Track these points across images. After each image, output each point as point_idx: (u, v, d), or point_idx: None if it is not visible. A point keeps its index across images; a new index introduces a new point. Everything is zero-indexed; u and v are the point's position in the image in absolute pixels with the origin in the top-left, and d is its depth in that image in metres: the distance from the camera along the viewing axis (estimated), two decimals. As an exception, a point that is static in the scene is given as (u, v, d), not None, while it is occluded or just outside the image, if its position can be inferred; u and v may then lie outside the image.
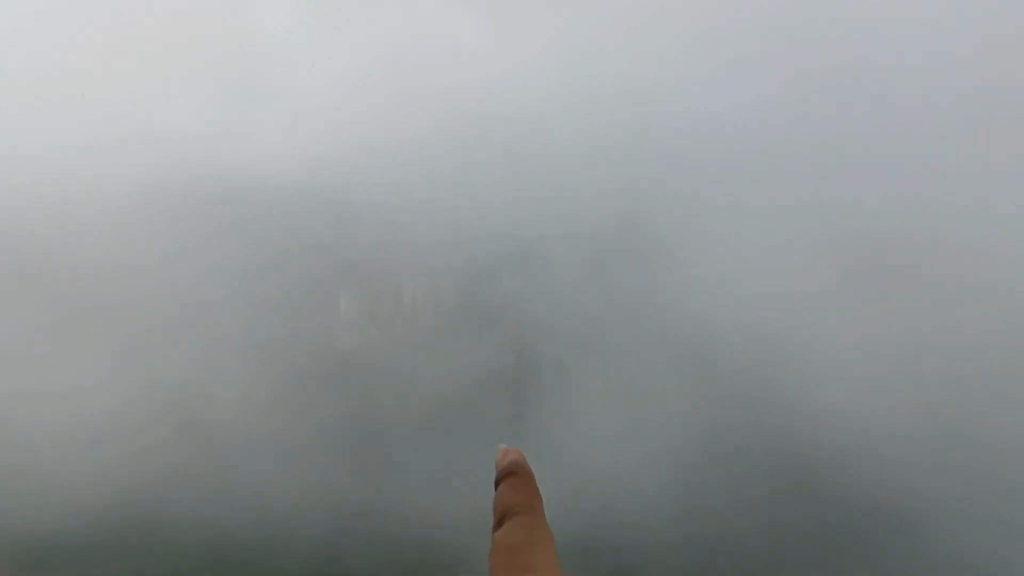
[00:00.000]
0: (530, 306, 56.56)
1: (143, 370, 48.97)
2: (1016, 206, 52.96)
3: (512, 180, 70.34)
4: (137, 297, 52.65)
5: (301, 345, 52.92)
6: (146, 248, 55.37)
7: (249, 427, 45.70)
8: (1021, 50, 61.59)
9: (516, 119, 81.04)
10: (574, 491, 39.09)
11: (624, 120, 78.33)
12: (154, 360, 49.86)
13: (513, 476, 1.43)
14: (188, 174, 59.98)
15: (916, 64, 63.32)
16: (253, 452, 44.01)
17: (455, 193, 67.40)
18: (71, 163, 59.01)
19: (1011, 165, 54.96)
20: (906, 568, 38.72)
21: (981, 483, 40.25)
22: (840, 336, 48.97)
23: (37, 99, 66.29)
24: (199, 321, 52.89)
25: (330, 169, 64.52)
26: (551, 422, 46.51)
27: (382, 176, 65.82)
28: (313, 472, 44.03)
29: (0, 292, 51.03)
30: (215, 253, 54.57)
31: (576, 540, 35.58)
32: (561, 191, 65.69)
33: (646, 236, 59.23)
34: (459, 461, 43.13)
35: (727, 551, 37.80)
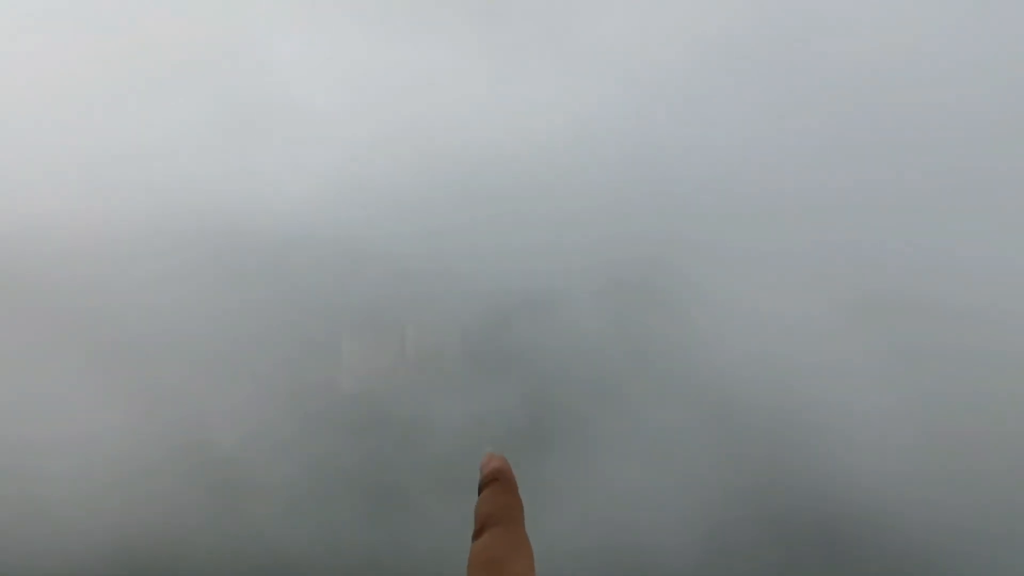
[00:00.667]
0: (545, 354, 56.53)
1: (157, 414, 48.90)
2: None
3: (523, 230, 71.04)
4: (146, 342, 52.68)
5: (317, 390, 52.77)
6: (153, 293, 55.78)
7: (262, 472, 45.33)
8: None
9: (523, 169, 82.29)
10: (596, 545, 38.63)
11: (635, 173, 79.40)
12: (166, 404, 49.73)
13: (496, 482, 1.35)
14: (196, 220, 60.79)
15: (942, 125, 64.28)
16: (268, 497, 43.57)
17: (465, 242, 68.07)
18: (78, 201, 59.74)
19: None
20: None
21: (1009, 545, 39.70)
22: (864, 395, 48.85)
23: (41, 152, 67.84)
24: (211, 365, 52.86)
25: (339, 217, 65.40)
26: (569, 473, 46.07)
27: (393, 226, 66.55)
28: (327, 518, 43.54)
29: (15, 332, 51.32)
30: (229, 298, 54.82)
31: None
32: (575, 242, 66.35)
33: (664, 286, 59.44)
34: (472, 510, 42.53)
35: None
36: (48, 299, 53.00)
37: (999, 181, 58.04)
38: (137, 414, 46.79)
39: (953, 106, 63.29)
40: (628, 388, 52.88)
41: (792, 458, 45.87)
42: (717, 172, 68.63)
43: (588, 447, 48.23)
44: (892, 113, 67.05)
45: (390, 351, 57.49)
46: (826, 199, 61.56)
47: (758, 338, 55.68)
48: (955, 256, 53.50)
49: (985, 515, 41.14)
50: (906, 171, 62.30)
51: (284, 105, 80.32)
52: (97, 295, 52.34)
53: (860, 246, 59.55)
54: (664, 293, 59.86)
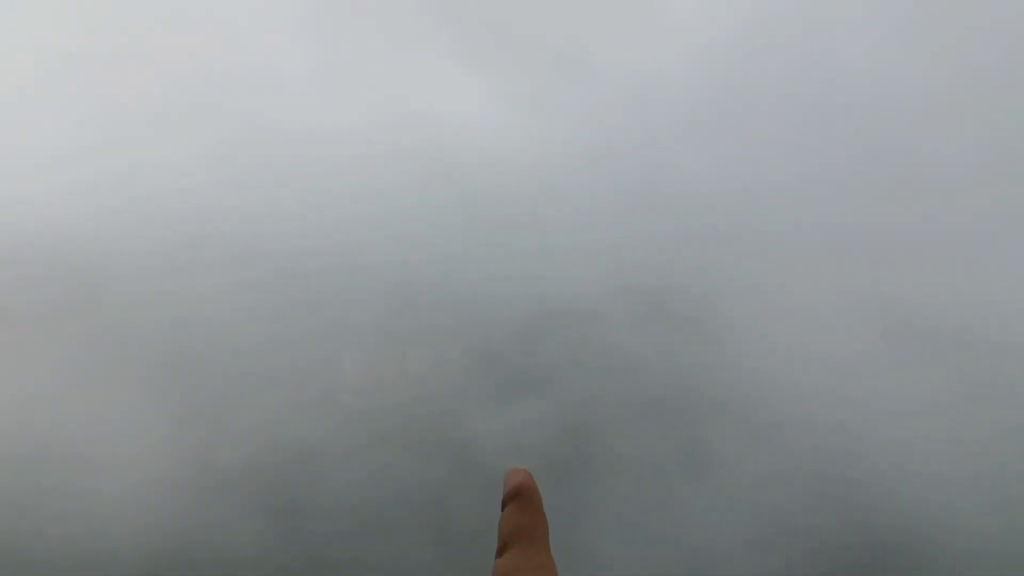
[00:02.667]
0: (585, 374, 56.38)
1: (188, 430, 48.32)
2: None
3: (550, 249, 71.30)
4: (200, 358, 52.38)
5: (367, 410, 52.18)
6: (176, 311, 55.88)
7: (317, 491, 44.53)
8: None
9: (537, 192, 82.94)
10: (650, 563, 38.14)
11: (647, 198, 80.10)
12: (222, 422, 49.31)
13: (519, 498, 1.32)
14: (214, 246, 61.16)
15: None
16: (322, 515, 42.66)
17: (497, 264, 68.50)
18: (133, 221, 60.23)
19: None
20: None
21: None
22: (904, 424, 49.23)
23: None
24: (266, 381, 52.65)
25: (348, 241, 65.78)
26: (619, 492, 45.55)
27: (416, 256, 66.97)
28: (381, 532, 42.61)
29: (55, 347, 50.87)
30: (283, 317, 54.60)
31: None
32: (607, 261, 66.62)
33: (699, 312, 59.80)
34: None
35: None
36: (102, 315, 53.06)
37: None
38: (193, 431, 46.23)
39: (992, 140, 64.69)
40: (670, 408, 52.72)
41: (839, 477, 45.78)
42: (750, 202, 69.51)
43: (633, 466, 47.83)
44: (929, 146, 68.48)
45: (435, 367, 57.13)
46: (860, 234, 62.48)
47: (795, 365, 56.08)
48: (994, 291, 54.44)
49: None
50: (944, 205, 63.54)
51: (296, 139, 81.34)
52: (154, 310, 51.99)
53: (894, 280, 60.47)
54: (702, 320, 60.18)
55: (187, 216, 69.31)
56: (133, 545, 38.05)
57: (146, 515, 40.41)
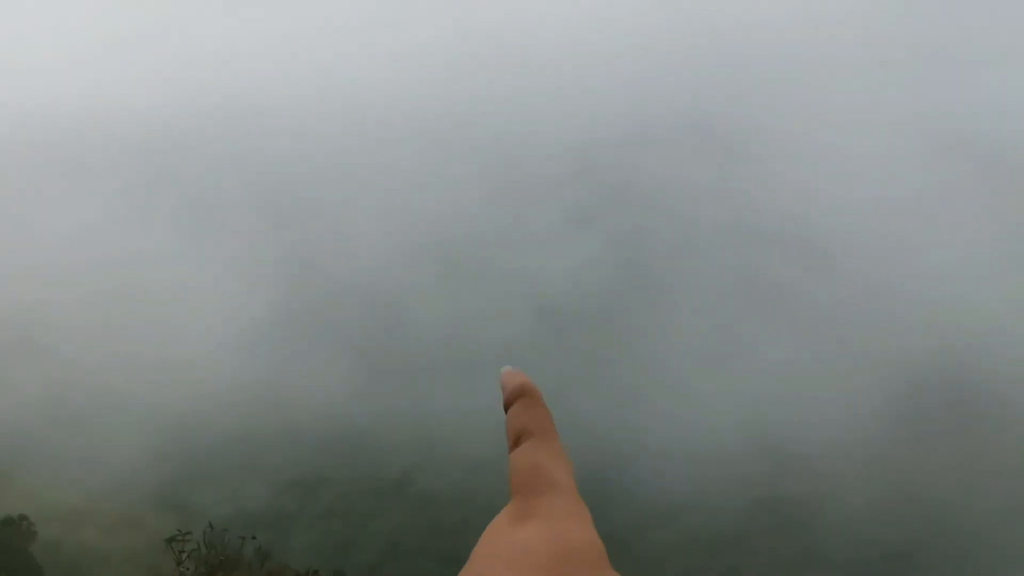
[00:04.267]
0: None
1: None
2: None
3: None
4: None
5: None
6: None
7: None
8: None
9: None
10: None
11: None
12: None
13: (523, 398, 1.27)
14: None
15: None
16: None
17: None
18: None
19: None
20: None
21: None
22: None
23: None
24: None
25: None
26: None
27: None
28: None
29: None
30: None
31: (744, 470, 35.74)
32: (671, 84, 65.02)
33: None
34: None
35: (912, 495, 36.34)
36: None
37: None
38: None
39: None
40: (725, 236, 52.25)
41: (907, 301, 45.82)
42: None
43: (693, 298, 47.96)
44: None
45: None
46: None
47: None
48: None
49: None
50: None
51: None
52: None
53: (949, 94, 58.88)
54: (751, 144, 58.64)
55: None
56: (227, 386, 38.82)
57: (235, 357, 41.00)
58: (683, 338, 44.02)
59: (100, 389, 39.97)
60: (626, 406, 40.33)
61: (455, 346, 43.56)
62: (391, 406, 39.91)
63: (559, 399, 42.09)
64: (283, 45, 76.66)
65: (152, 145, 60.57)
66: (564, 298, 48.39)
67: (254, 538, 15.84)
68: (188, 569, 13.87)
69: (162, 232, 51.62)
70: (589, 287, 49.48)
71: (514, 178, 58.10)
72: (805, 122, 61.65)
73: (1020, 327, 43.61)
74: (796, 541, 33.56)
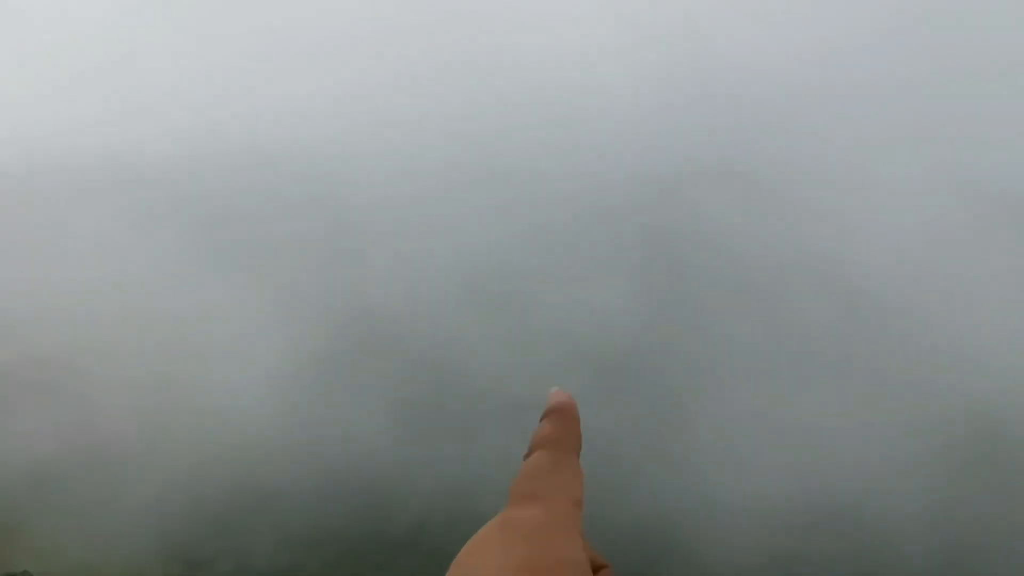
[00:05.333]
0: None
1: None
2: None
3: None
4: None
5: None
6: None
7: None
8: None
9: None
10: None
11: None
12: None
13: (554, 413, 1.39)
14: None
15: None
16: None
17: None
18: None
19: None
20: None
21: None
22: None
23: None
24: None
25: None
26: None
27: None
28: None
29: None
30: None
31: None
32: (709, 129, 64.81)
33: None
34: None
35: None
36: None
37: None
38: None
39: None
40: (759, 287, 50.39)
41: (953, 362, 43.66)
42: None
43: (731, 351, 45.88)
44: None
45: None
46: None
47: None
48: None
49: None
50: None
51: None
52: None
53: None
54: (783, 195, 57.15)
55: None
56: (260, 438, 37.00)
57: (266, 405, 39.44)
58: (728, 401, 41.52)
59: (117, 437, 38.50)
60: (667, 466, 38.00)
61: (498, 396, 41.59)
62: (426, 457, 37.65)
63: (599, 454, 39.75)
64: (337, 90, 77.47)
65: (195, 189, 60.56)
66: (602, 346, 46.44)
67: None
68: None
69: (202, 276, 50.57)
70: (629, 334, 47.49)
71: (557, 219, 57.09)
72: (841, 154, 60.85)
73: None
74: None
